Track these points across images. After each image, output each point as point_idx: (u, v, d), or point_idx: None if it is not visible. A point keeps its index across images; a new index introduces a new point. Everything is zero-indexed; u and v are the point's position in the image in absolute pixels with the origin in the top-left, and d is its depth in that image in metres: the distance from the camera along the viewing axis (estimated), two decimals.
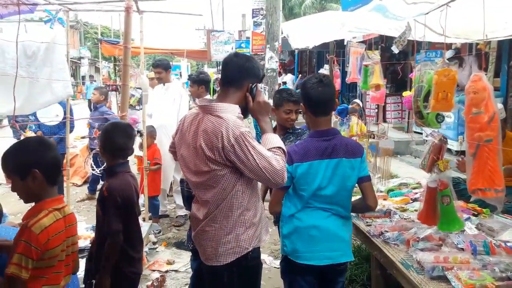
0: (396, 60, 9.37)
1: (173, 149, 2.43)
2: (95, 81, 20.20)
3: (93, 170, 5.27)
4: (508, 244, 2.81)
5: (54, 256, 1.86)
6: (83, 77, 24.69)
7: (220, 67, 19.23)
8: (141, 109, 4.90)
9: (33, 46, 4.22)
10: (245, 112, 2.18)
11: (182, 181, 3.21)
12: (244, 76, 2.14)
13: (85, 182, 7.52)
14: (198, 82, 5.14)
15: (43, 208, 1.87)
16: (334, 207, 2.40)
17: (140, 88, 6.32)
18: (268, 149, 2.04)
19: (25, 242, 1.74)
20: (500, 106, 3.24)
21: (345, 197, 2.45)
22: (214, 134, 2.00)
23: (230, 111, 2.07)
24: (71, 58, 5.22)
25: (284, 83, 14.60)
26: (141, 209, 5.28)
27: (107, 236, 2.40)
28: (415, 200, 4.00)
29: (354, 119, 5.88)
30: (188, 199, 2.52)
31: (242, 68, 2.14)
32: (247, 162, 1.97)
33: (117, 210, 2.44)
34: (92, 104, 7.07)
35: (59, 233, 1.87)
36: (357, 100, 9.19)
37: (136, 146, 4.52)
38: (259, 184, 2.33)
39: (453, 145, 7.31)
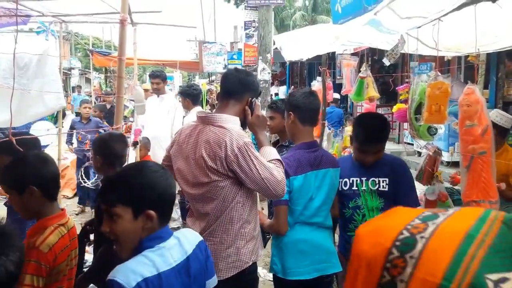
0: (386, 72, 9.49)
1: (167, 163, 2.41)
2: (85, 92, 19.61)
3: (85, 183, 5.22)
4: None
5: (60, 271, 1.83)
6: (73, 88, 24.49)
7: (212, 78, 19.17)
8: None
9: (25, 57, 4.19)
10: (243, 125, 2.19)
11: (181, 193, 3.20)
12: (244, 90, 2.16)
13: (75, 195, 7.42)
14: (184, 95, 5.17)
15: (48, 225, 1.83)
16: (318, 220, 2.40)
17: (132, 100, 6.32)
18: (268, 161, 2.05)
19: (35, 262, 1.70)
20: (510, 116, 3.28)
21: (328, 207, 2.47)
22: (217, 143, 1.99)
23: (232, 122, 2.08)
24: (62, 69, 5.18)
25: (276, 94, 14.68)
26: None
27: None
28: None
29: (348, 130, 5.87)
30: (188, 212, 2.50)
31: (243, 81, 2.17)
32: (250, 172, 1.97)
33: None
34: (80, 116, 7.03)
35: (65, 248, 1.85)
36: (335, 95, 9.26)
37: (131, 159, 4.47)
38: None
39: (444, 156, 7.37)
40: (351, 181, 2.54)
